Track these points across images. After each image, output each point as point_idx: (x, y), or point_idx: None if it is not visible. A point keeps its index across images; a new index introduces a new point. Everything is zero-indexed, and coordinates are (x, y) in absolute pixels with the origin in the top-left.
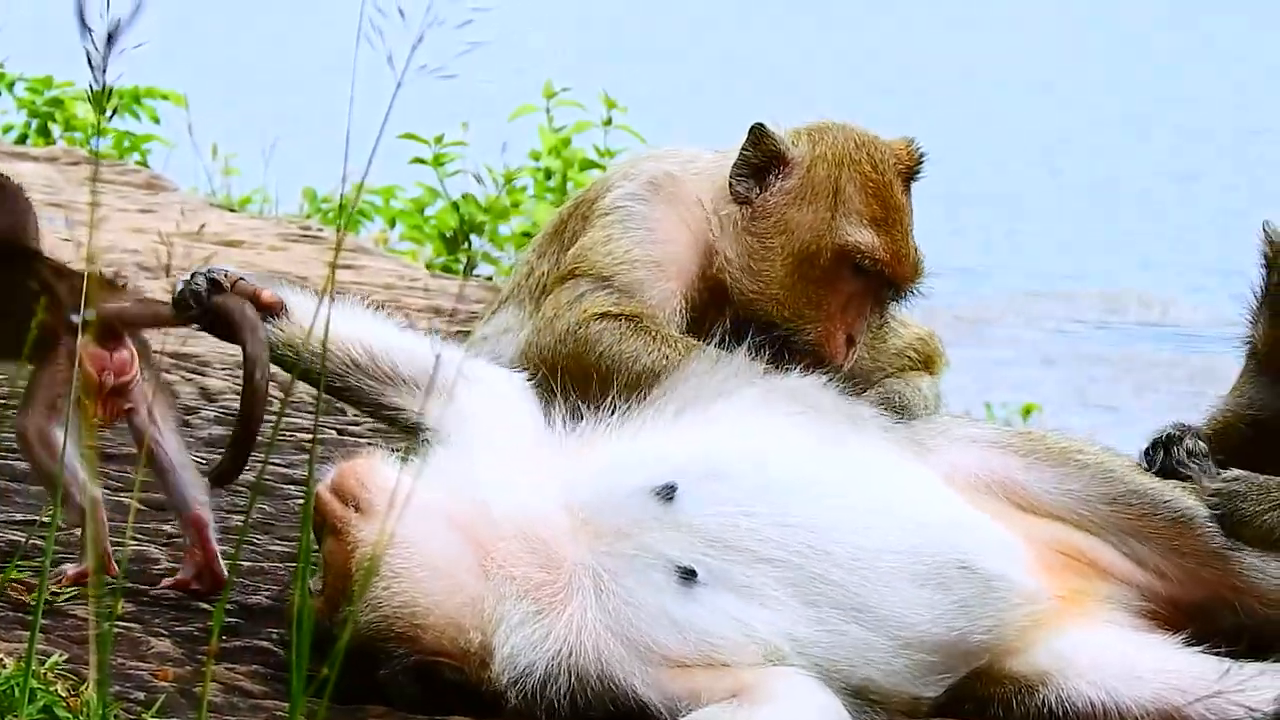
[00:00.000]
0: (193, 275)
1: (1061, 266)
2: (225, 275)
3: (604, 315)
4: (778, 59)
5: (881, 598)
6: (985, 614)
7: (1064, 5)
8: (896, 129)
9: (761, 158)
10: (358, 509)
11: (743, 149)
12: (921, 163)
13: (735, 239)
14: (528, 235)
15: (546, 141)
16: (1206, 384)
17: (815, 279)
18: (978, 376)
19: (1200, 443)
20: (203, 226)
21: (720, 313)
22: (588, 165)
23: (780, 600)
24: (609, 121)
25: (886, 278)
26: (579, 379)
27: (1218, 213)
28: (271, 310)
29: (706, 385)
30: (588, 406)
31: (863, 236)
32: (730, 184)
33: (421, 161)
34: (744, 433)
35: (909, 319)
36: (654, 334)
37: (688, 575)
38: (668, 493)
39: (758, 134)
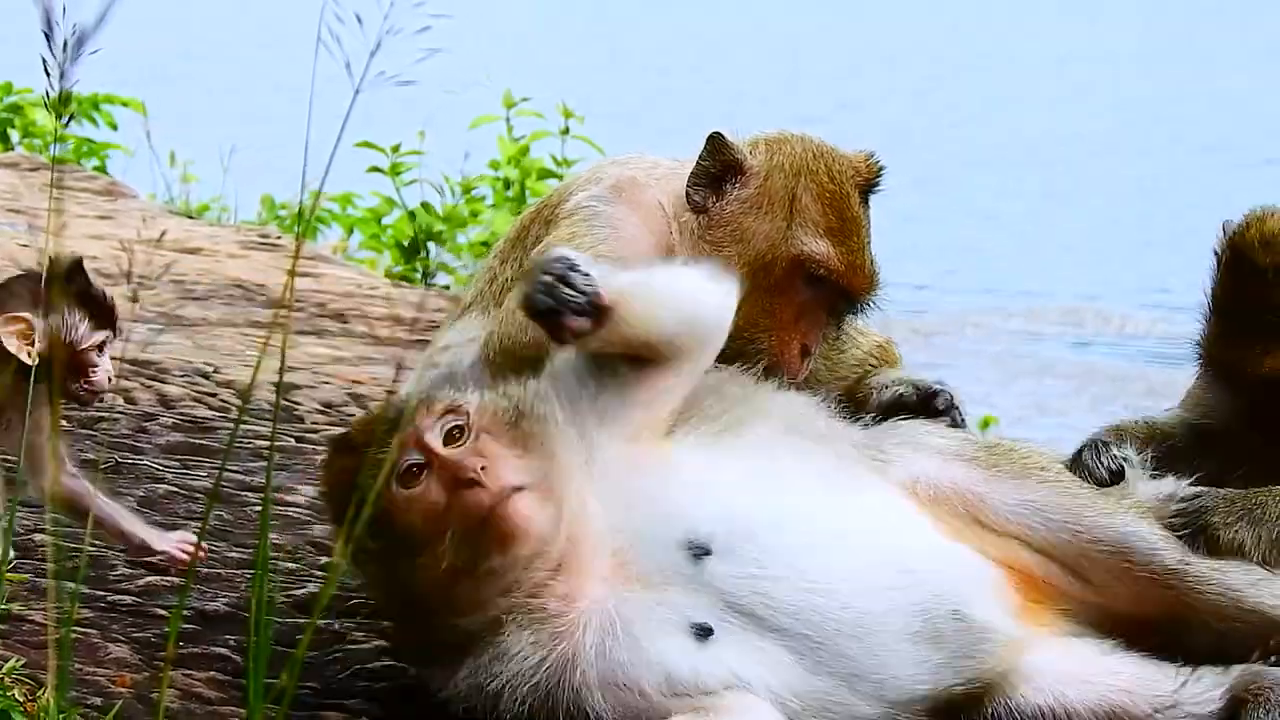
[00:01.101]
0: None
1: (1020, 280)
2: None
3: None
4: (739, 70)
5: (882, 663)
6: (971, 664)
7: (1024, 18)
8: (855, 141)
9: (719, 167)
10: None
11: (700, 158)
12: (880, 176)
13: (693, 246)
14: (486, 245)
15: (506, 151)
16: (1164, 397)
17: (770, 288)
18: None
19: (1130, 449)
20: (163, 233)
21: None
22: (546, 174)
23: (786, 666)
24: (566, 131)
25: (842, 289)
26: (518, 364)
27: (1177, 227)
28: None
29: (733, 406)
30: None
31: (817, 246)
32: (688, 193)
33: (379, 170)
34: (772, 480)
35: (866, 328)
36: None
37: (703, 632)
38: (701, 551)
39: (715, 143)
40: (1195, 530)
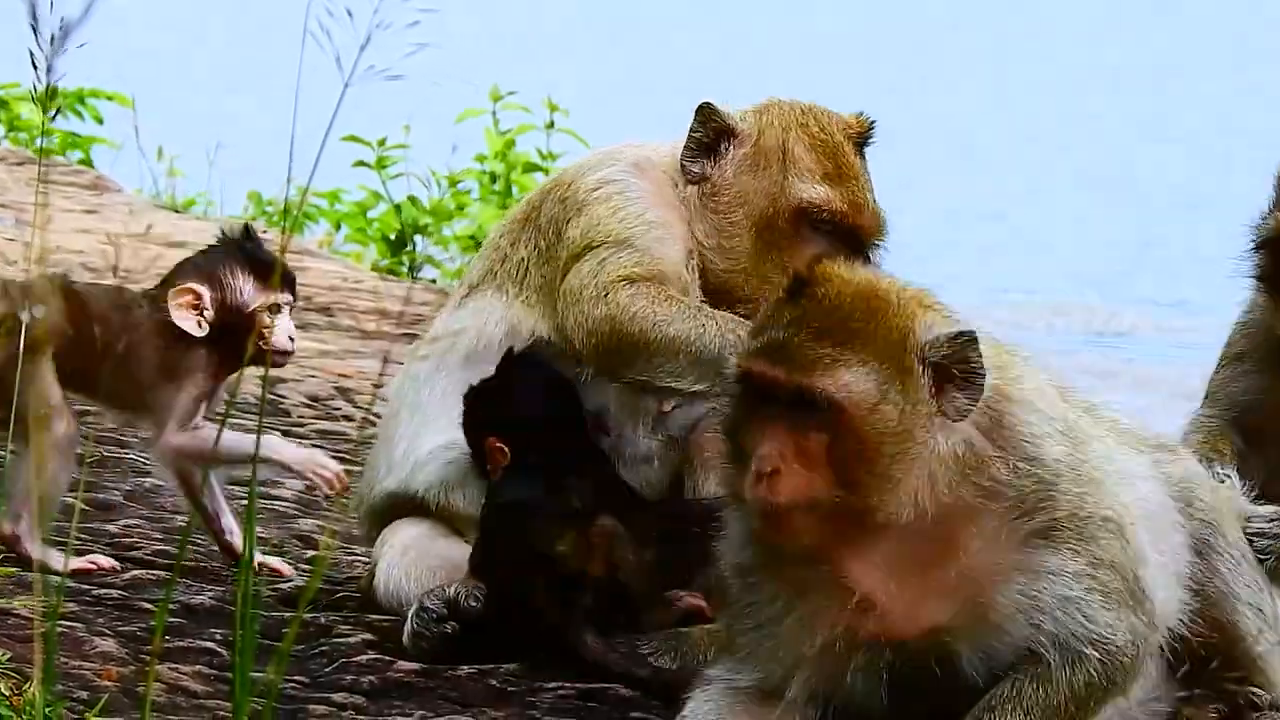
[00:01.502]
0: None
1: (1007, 275)
2: None
3: (629, 279)
4: (725, 65)
5: None
6: None
7: (1018, 9)
8: None
9: (711, 135)
10: None
11: (691, 129)
12: (872, 129)
13: (702, 219)
14: (473, 238)
15: (492, 144)
16: (1150, 393)
17: (778, 244)
18: None
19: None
20: (149, 227)
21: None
22: (531, 168)
23: None
24: (551, 125)
25: (848, 230)
26: (612, 348)
27: (1162, 222)
28: None
29: None
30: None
31: (816, 192)
32: (683, 165)
33: (364, 165)
34: None
35: None
36: (683, 302)
37: None
38: None
39: (705, 112)
40: (1275, 560)
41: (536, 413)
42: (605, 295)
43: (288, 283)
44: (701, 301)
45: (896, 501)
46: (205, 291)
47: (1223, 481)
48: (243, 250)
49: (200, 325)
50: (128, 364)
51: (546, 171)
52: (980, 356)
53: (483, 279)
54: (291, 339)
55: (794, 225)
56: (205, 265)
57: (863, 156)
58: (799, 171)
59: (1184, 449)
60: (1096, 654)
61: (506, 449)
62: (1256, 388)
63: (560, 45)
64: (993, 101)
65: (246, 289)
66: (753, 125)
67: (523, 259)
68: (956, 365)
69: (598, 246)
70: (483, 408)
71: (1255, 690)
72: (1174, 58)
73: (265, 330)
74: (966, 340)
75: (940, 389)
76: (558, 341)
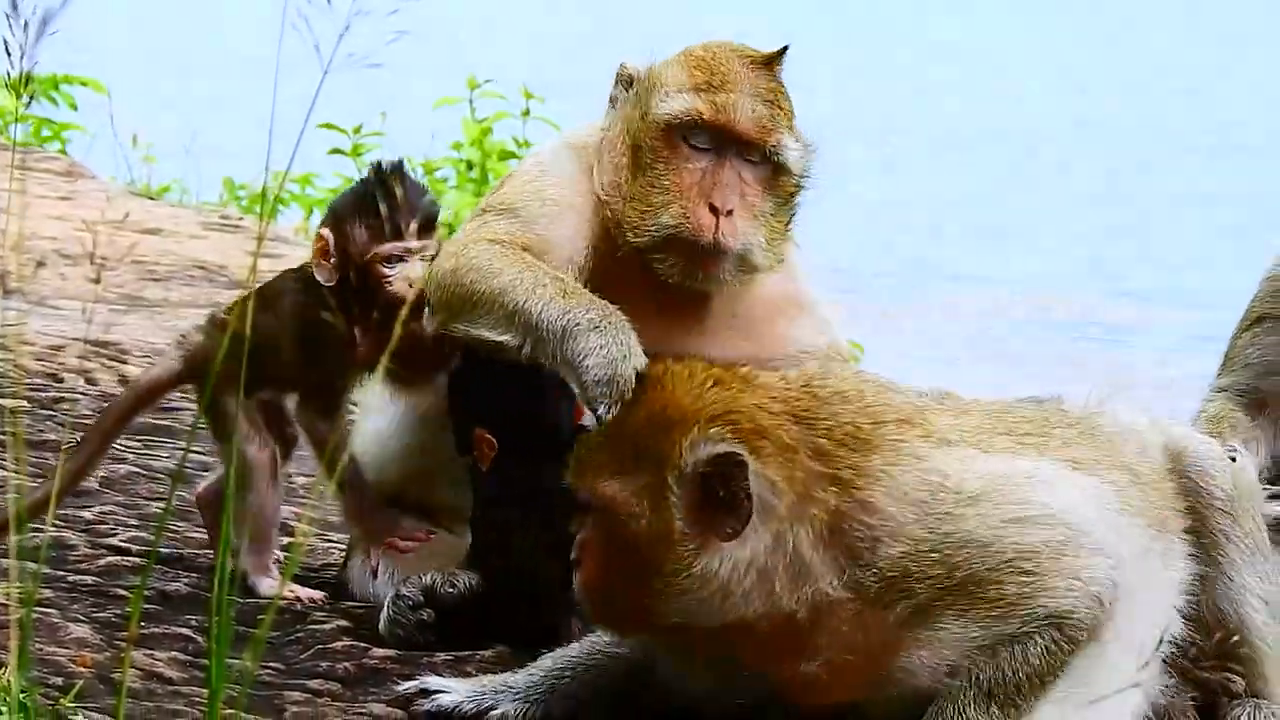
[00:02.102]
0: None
1: (984, 264)
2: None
3: (494, 240)
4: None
5: None
6: None
7: (984, 5)
8: (812, 126)
9: (621, 90)
10: None
11: (610, 91)
12: (782, 50)
13: (607, 175)
14: (449, 225)
15: (469, 132)
16: (1127, 382)
17: (653, 164)
18: (900, 373)
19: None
20: (126, 215)
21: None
22: (507, 155)
23: None
24: (527, 113)
25: (731, 138)
26: (449, 299)
27: (1140, 213)
28: None
29: None
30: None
31: (679, 101)
32: (602, 129)
33: (340, 152)
34: None
35: (826, 327)
36: (528, 263)
37: None
38: None
39: (619, 72)
40: None
41: (525, 406)
42: (464, 250)
43: (422, 228)
44: (614, 279)
45: (683, 610)
46: (330, 237)
47: (1233, 459)
48: (376, 190)
49: (328, 275)
50: (296, 351)
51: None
52: (746, 480)
53: None
54: (410, 285)
55: (666, 140)
56: (336, 207)
57: (770, 76)
58: (664, 92)
59: (1196, 435)
60: (1043, 636)
61: (495, 440)
62: (1273, 350)
63: (537, 33)
64: (983, 91)
65: (362, 234)
66: (648, 70)
67: None
68: (722, 487)
69: (487, 211)
70: (469, 398)
71: (1230, 676)
72: (1167, 52)
73: (385, 280)
74: (732, 463)
75: (707, 510)
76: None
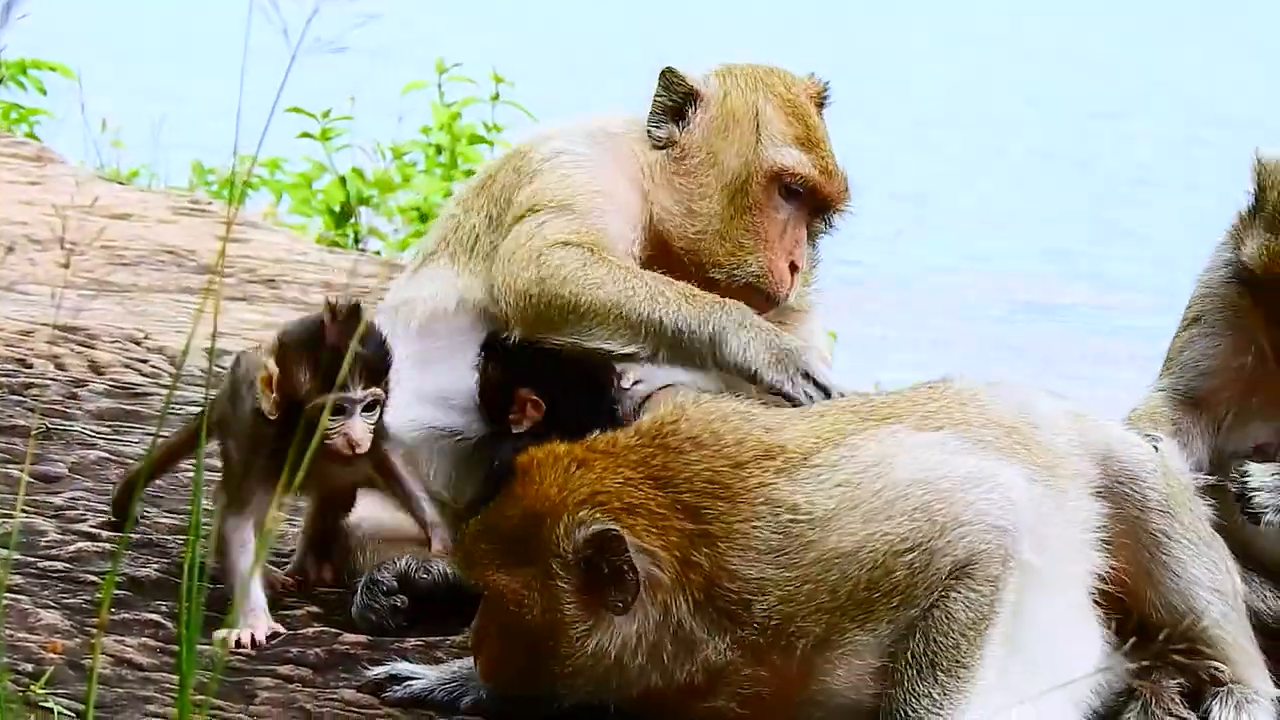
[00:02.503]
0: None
1: (956, 250)
2: None
3: (565, 243)
4: (667, 36)
5: None
6: None
7: None
8: None
9: (675, 99)
10: None
11: (656, 94)
12: (828, 90)
13: (668, 185)
14: (418, 209)
15: (438, 116)
16: (1098, 365)
17: (751, 208)
18: (871, 357)
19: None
20: (95, 199)
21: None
22: (476, 140)
23: None
24: (496, 97)
25: (819, 198)
26: (541, 311)
27: (1106, 197)
28: None
29: None
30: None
31: (791, 156)
32: (649, 130)
33: (309, 136)
34: None
35: (806, 316)
36: (617, 265)
37: None
38: None
39: (669, 76)
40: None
41: (578, 370)
42: (538, 257)
43: (370, 376)
44: (659, 271)
45: (585, 686)
46: (275, 370)
47: (1155, 449)
48: (315, 332)
49: (270, 408)
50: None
51: (491, 145)
52: (626, 551)
53: (437, 247)
54: (356, 442)
55: (766, 188)
56: (286, 340)
57: (822, 117)
58: (771, 134)
59: (1124, 436)
60: (958, 591)
61: (541, 403)
62: (1211, 353)
63: (506, 17)
64: (946, 74)
65: (303, 379)
66: (717, 88)
67: (474, 226)
68: (605, 564)
69: (539, 210)
70: (519, 358)
71: (1217, 665)
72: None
73: (326, 434)
74: (609, 538)
75: (595, 589)
76: (489, 304)
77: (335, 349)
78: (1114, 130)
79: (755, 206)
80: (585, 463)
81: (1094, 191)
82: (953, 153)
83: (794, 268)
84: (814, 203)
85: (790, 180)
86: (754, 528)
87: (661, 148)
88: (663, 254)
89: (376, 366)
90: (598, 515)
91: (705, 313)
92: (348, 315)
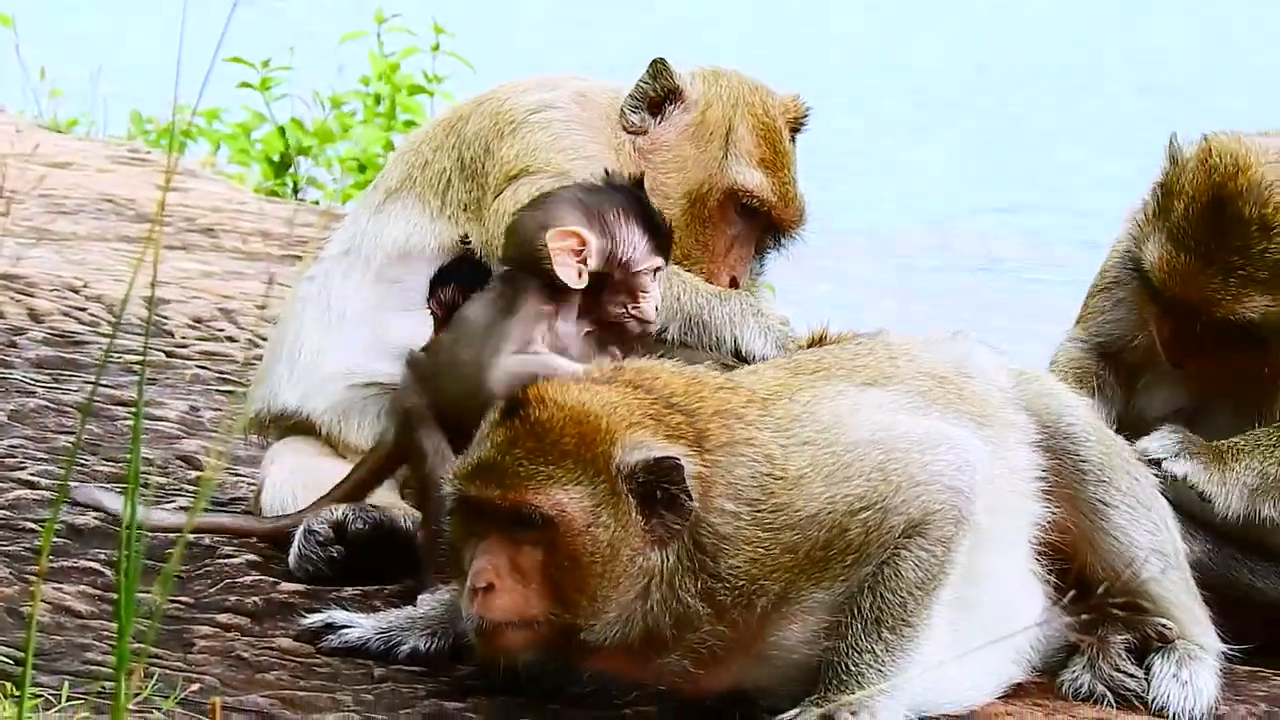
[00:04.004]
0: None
1: (894, 205)
2: None
3: None
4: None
5: None
6: None
7: None
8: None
9: (659, 92)
10: None
11: (641, 80)
12: (807, 116)
13: (635, 164)
14: (356, 160)
15: (376, 67)
16: (1038, 321)
17: (704, 219)
18: (810, 314)
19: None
20: (36, 147)
21: None
22: (416, 90)
23: None
24: (437, 48)
25: (772, 221)
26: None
27: (1043, 154)
28: None
29: None
30: None
31: (752, 178)
32: (624, 112)
33: (248, 85)
34: None
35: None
36: None
37: None
38: None
39: (658, 67)
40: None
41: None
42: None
43: (667, 247)
44: None
45: (606, 623)
46: (593, 239)
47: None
48: (639, 202)
49: (580, 276)
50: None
51: (431, 95)
52: (683, 480)
53: (401, 184)
54: (657, 309)
55: (723, 204)
56: (594, 210)
57: (794, 141)
58: (739, 153)
59: (1062, 396)
60: (910, 550)
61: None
62: (1125, 319)
63: None
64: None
65: (640, 246)
66: (701, 94)
67: (444, 169)
68: (660, 488)
69: (535, 173)
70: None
71: (1163, 623)
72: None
73: (641, 294)
74: (669, 465)
75: (647, 511)
76: (486, 256)
77: (661, 216)
78: (1056, 89)
79: (709, 219)
80: (603, 391)
81: (1029, 148)
82: (894, 112)
83: (734, 282)
84: (768, 223)
85: (747, 200)
86: (738, 476)
87: (633, 133)
88: None
89: (671, 236)
90: (656, 440)
91: (721, 299)
92: (639, 184)
